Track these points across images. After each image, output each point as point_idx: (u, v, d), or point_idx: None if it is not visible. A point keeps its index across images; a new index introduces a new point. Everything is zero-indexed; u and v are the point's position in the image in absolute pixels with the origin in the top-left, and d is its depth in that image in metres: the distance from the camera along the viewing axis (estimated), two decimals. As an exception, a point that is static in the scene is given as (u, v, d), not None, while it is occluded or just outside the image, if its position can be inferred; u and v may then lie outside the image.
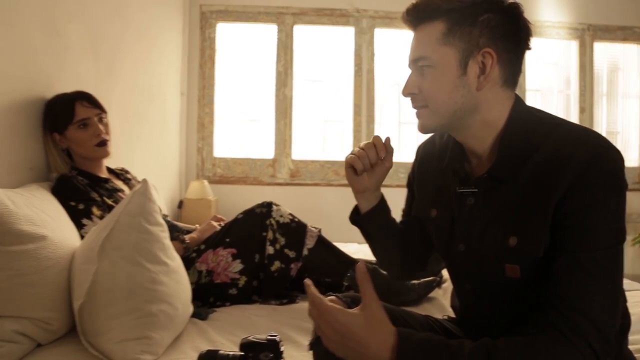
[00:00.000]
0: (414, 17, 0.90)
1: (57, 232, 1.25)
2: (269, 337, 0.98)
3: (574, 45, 3.64)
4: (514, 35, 0.86)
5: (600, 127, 3.68)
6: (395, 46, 3.60)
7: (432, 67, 0.88)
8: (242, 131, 3.69)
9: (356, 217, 1.13)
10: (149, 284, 1.14)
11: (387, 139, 1.04)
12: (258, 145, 3.63)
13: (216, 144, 3.60)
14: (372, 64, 3.57)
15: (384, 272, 1.61)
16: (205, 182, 3.31)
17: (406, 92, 0.93)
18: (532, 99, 3.60)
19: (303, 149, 3.61)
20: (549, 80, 3.68)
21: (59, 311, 1.19)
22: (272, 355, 0.96)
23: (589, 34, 3.61)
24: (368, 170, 1.04)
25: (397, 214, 1.22)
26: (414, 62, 0.91)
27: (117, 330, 1.09)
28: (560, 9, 3.59)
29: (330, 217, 1.75)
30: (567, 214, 0.78)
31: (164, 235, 1.24)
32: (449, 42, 0.86)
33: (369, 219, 1.11)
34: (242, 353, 0.99)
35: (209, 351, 1.01)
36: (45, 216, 1.26)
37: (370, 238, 1.15)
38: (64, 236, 1.28)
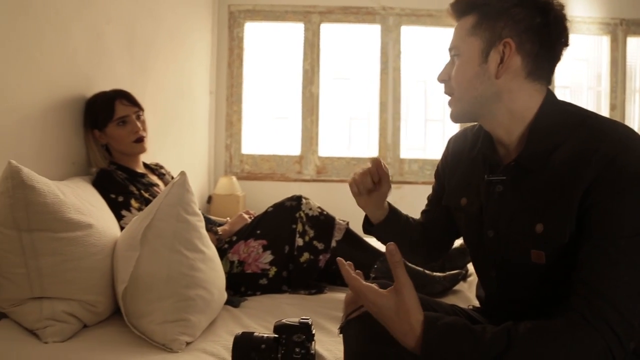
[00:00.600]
0: (455, 12, 0.96)
1: (102, 221, 1.33)
2: (302, 320, 1.04)
3: (605, 41, 3.58)
4: (540, 29, 0.88)
5: (632, 123, 3.61)
6: (422, 43, 3.60)
7: (459, 56, 0.94)
8: (269, 128, 3.76)
9: (368, 228, 1.21)
10: (187, 270, 1.21)
11: (377, 162, 1.10)
12: (285, 142, 3.69)
13: (244, 141, 3.68)
14: (398, 61, 3.59)
15: (409, 265, 1.64)
16: (234, 178, 3.39)
17: (439, 78, 0.99)
18: (561, 96, 3.49)
19: (329, 146, 3.66)
20: (578, 76, 3.63)
21: (104, 295, 1.26)
22: (304, 336, 1.01)
23: (621, 28, 3.54)
24: (364, 193, 1.12)
25: (421, 210, 1.26)
26: (449, 50, 0.97)
27: (158, 313, 1.16)
28: (591, 4, 3.53)
29: (355, 212, 1.78)
30: (593, 203, 0.80)
31: (201, 224, 1.31)
32: (475, 33, 0.91)
33: (381, 230, 1.18)
34: (276, 335, 1.04)
35: (244, 333, 1.06)
36: (90, 206, 1.34)
37: (385, 243, 1.20)
38: (107, 225, 1.36)
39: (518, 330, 0.78)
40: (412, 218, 1.24)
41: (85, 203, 1.32)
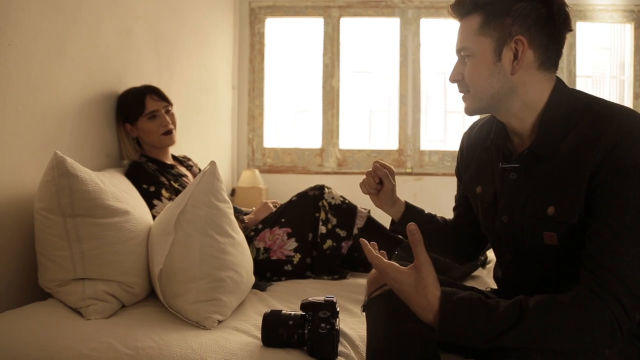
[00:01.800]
0: (457, 12, 1.00)
1: (137, 209, 1.41)
2: (327, 298, 1.10)
3: (628, 29, 3.54)
4: (547, 20, 0.92)
5: (657, 112, 3.56)
6: (441, 35, 3.62)
7: (472, 56, 0.97)
8: (290, 122, 3.83)
9: (392, 227, 1.28)
10: (218, 254, 1.28)
11: (375, 164, 1.21)
12: (306, 135, 3.75)
13: (266, 135, 3.75)
14: (417, 53, 3.61)
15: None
16: (256, 171, 3.46)
17: (452, 79, 1.03)
18: (583, 85, 3.53)
19: (350, 139, 3.70)
20: (601, 65, 3.59)
21: (140, 277, 1.35)
22: (329, 313, 1.07)
23: (645, 16, 3.49)
24: (374, 193, 1.23)
25: (442, 201, 1.32)
26: (458, 52, 1.01)
27: (192, 293, 1.23)
28: (613, -9, 3.49)
29: None
30: (600, 184, 0.85)
31: (230, 211, 1.38)
32: (485, 33, 0.95)
33: (401, 226, 1.24)
34: (303, 312, 1.11)
35: (272, 311, 1.14)
36: (126, 195, 1.43)
37: None
38: (142, 212, 1.44)
39: (529, 302, 0.83)
40: (442, 217, 1.30)
41: (121, 192, 1.40)
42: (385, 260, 0.92)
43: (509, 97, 0.96)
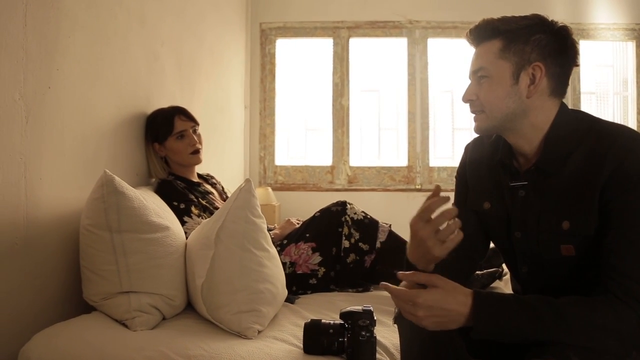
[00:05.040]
0: (476, 36, 1.07)
1: (175, 224, 1.48)
2: (364, 308, 1.16)
3: (630, 47, 3.65)
4: (562, 53, 1.02)
5: (659, 127, 3.65)
6: (448, 54, 3.72)
7: (489, 78, 1.04)
8: (301, 140, 3.91)
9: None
10: (256, 267, 1.34)
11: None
12: (317, 153, 3.83)
13: (277, 153, 3.82)
14: (425, 72, 3.71)
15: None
16: (269, 189, 3.53)
17: (466, 99, 1.09)
18: (587, 102, 3.63)
19: (360, 156, 3.78)
20: (604, 82, 3.70)
21: (179, 290, 1.41)
22: (368, 322, 1.13)
23: (646, 34, 3.61)
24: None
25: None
26: (474, 72, 1.07)
27: (234, 304, 1.29)
28: (615, 10, 3.60)
29: (387, 220, 1.91)
30: (611, 198, 0.94)
31: (264, 226, 1.44)
32: (504, 57, 1.03)
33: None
34: (342, 321, 1.16)
35: (313, 320, 1.19)
36: (164, 211, 1.49)
37: None
38: (179, 228, 1.50)
39: (561, 300, 0.90)
40: None
41: (160, 208, 1.47)
42: (407, 290, 0.93)
43: (520, 119, 1.04)
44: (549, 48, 1.00)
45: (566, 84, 1.05)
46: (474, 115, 1.09)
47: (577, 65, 1.05)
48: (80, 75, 1.53)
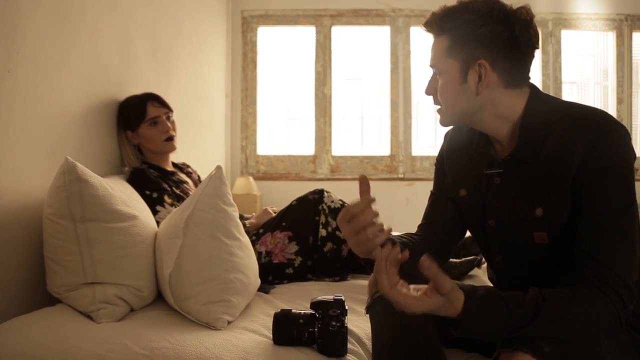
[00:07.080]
0: (428, 31, 1.05)
1: (144, 213, 1.43)
2: (336, 297, 1.13)
3: (611, 37, 3.66)
4: (511, 43, 0.95)
5: (639, 116, 3.68)
6: (431, 42, 3.69)
7: (441, 75, 1.02)
8: (283, 129, 3.86)
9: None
10: (226, 256, 1.31)
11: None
12: (299, 142, 3.79)
13: (259, 142, 3.78)
14: (408, 61, 3.69)
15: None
16: (251, 179, 3.49)
17: (427, 92, 1.08)
18: (569, 91, 3.64)
19: (342, 145, 3.75)
20: (585, 72, 3.71)
21: (148, 280, 1.37)
22: (339, 311, 1.11)
23: (627, 24, 3.61)
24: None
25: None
26: (431, 67, 1.06)
27: (202, 295, 1.26)
28: (596, 0, 3.61)
29: None
30: (583, 184, 0.91)
31: (236, 214, 1.41)
32: (452, 55, 0.99)
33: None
34: (313, 311, 1.14)
35: (283, 310, 1.17)
36: (132, 200, 1.45)
37: None
38: (148, 217, 1.46)
39: (544, 296, 0.87)
40: (412, 235, 1.20)
41: (128, 197, 1.43)
42: (406, 296, 0.86)
43: (478, 114, 1.01)
44: (495, 40, 0.95)
45: (524, 73, 1.01)
46: (437, 108, 1.07)
47: (536, 49, 0.99)
48: (44, 59, 1.47)
